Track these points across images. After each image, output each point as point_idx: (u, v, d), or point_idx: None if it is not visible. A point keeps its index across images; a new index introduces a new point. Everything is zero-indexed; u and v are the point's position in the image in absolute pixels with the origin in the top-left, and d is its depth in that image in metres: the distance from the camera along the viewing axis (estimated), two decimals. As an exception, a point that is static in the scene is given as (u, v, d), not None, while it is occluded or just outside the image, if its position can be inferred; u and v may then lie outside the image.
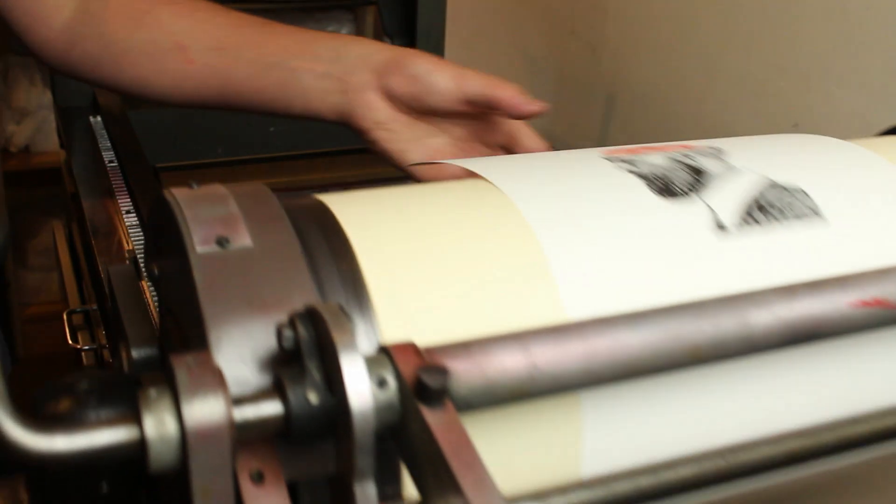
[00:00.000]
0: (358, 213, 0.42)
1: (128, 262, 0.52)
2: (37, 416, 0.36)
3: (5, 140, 2.31)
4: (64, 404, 0.36)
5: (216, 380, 0.30)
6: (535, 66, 1.47)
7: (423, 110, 0.69)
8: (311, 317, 0.32)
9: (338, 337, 0.31)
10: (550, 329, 0.36)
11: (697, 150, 0.50)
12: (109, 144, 1.10)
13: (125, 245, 0.86)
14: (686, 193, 0.45)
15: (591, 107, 1.31)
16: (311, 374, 0.32)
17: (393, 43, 1.39)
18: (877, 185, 0.50)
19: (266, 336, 0.34)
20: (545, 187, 0.46)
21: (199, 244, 0.36)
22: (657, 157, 0.48)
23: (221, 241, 0.36)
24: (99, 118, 1.18)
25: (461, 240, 0.42)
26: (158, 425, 0.29)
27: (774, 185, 0.47)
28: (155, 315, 0.49)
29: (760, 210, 0.46)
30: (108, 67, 0.76)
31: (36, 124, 2.30)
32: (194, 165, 1.15)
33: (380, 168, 0.75)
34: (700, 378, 0.41)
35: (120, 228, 0.90)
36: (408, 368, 0.32)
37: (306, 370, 0.32)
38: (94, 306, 0.94)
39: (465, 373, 0.34)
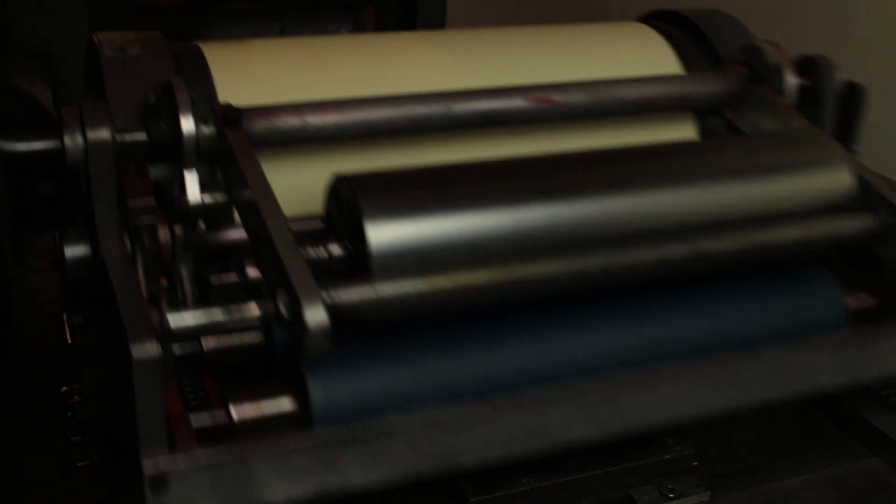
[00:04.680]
0: (218, 46, 0.69)
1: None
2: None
3: (5, 140, 2.30)
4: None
5: (107, 117, 0.60)
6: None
7: None
8: (166, 87, 0.61)
9: (178, 95, 0.60)
10: (326, 102, 0.65)
11: None
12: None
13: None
14: None
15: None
16: (162, 115, 0.61)
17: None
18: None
19: (143, 96, 0.63)
20: None
21: (107, 51, 0.65)
22: None
23: (121, 49, 0.65)
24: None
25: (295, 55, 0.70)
26: (73, 139, 0.59)
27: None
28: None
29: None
30: None
31: (36, 124, 2.29)
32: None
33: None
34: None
35: (119, 228, 0.89)
36: (219, 109, 0.61)
37: (160, 113, 0.61)
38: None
39: (258, 118, 0.63)
